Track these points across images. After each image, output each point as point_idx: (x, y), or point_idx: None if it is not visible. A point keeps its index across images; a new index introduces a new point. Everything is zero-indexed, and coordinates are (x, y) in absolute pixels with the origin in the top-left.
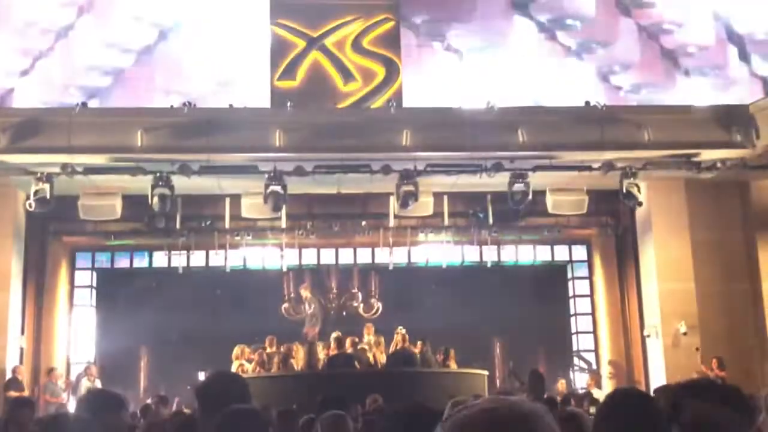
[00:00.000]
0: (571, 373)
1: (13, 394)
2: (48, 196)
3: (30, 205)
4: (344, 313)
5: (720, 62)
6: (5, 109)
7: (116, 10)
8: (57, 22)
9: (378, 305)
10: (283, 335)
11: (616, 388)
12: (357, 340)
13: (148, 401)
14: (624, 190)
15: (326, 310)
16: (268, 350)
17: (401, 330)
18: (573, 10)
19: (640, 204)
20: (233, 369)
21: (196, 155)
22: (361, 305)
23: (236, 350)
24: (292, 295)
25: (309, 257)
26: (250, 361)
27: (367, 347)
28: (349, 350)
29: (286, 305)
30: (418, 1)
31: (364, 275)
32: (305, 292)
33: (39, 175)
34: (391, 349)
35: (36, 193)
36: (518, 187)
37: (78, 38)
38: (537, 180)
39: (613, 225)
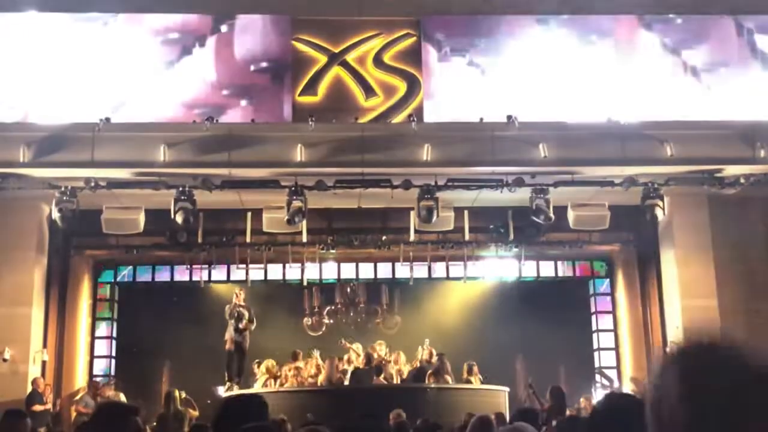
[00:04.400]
0: (592, 390)
1: (37, 407)
2: (71, 210)
3: (55, 217)
4: (356, 326)
5: None
6: (29, 124)
7: (141, 26)
8: (81, 38)
9: (397, 320)
10: (304, 350)
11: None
12: (378, 355)
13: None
14: (646, 206)
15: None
16: (292, 364)
17: (426, 344)
18: (596, 26)
19: (657, 222)
20: (258, 384)
21: (218, 170)
22: (381, 319)
23: (260, 365)
24: (315, 308)
25: (329, 272)
26: (276, 377)
27: (384, 363)
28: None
29: (307, 320)
30: (438, 16)
31: (383, 289)
32: (240, 293)
33: (62, 189)
34: (415, 363)
35: (59, 207)
36: (540, 202)
37: (102, 53)
38: (558, 195)
39: (635, 241)
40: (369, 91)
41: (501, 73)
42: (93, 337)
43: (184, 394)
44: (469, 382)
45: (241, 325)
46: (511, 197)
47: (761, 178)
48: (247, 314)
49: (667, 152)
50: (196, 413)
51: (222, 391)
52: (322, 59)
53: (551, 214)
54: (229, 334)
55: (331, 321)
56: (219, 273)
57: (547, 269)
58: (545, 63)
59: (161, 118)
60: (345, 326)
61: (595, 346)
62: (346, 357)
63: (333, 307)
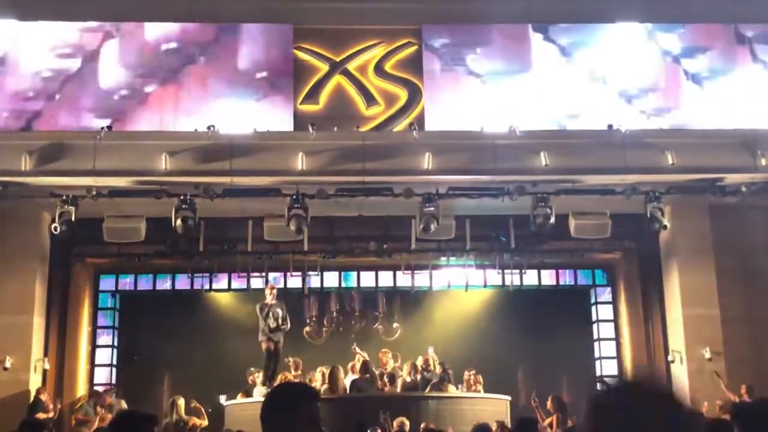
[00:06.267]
0: None
1: (41, 416)
2: (73, 219)
3: (55, 228)
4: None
5: None
6: (31, 132)
7: (142, 35)
8: (82, 47)
9: (398, 328)
10: (305, 359)
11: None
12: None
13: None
14: (648, 214)
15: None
16: (293, 373)
17: (430, 352)
18: (596, 34)
19: (665, 227)
20: (256, 392)
21: (220, 178)
22: (380, 327)
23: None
24: (313, 317)
25: (331, 280)
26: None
27: (385, 371)
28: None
29: (307, 328)
30: (440, 25)
31: (380, 297)
32: (273, 290)
33: (64, 197)
34: (417, 374)
35: (61, 215)
36: (541, 210)
37: (103, 62)
38: (560, 204)
39: (636, 249)
40: (370, 99)
41: (501, 82)
42: (94, 346)
43: (193, 403)
44: (473, 389)
45: (275, 324)
46: (513, 205)
47: (762, 186)
48: (281, 312)
49: (668, 160)
50: (204, 422)
51: (224, 400)
52: (324, 68)
53: (552, 219)
54: (264, 334)
55: (330, 329)
56: (220, 281)
57: (548, 278)
58: (545, 71)
59: (162, 126)
60: (345, 334)
61: (597, 354)
62: (350, 365)
63: (330, 316)
